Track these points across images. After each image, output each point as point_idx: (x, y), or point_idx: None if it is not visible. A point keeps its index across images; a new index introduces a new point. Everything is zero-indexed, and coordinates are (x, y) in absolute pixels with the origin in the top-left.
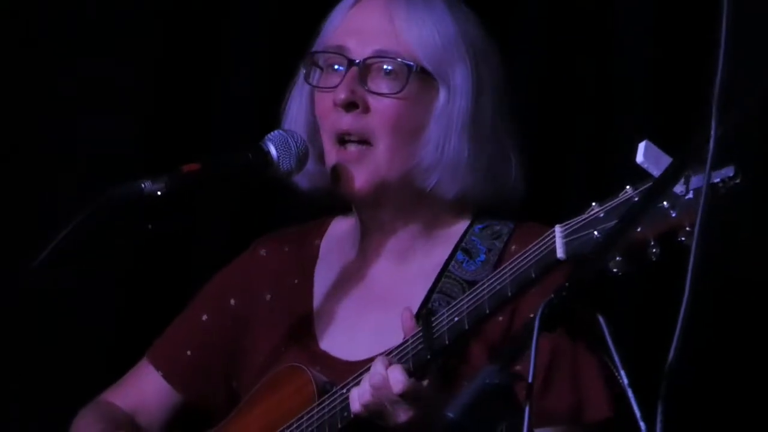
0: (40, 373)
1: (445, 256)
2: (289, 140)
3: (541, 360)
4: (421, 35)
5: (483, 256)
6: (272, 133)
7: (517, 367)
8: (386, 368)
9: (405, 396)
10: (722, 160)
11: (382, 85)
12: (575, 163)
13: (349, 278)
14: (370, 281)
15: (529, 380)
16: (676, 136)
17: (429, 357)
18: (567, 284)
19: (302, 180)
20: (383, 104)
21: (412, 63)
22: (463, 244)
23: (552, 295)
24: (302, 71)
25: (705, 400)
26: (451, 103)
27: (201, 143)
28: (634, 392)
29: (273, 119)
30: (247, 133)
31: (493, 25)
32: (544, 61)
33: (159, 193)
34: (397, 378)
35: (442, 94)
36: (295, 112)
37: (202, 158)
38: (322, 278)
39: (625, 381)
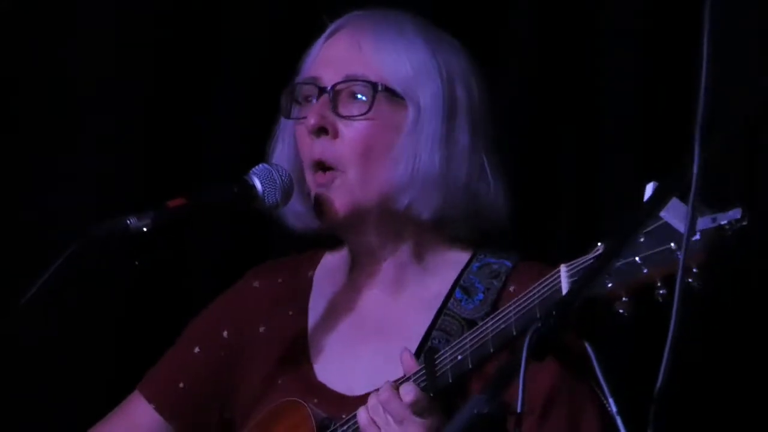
0: (36, 409)
1: (442, 290)
2: (274, 173)
3: (540, 393)
4: (389, 57)
5: (481, 295)
6: (257, 166)
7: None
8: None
9: (415, 406)
10: (729, 201)
11: (352, 109)
12: (563, 182)
13: (343, 309)
14: (364, 311)
15: (518, 410)
16: (666, 157)
17: (431, 395)
18: (554, 312)
19: (294, 221)
20: (352, 129)
21: (377, 82)
22: (462, 282)
23: (539, 323)
24: (282, 106)
25: (694, 426)
26: (421, 121)
27: (191, 171)
28: (623, 420)
29: (263, 146)
30: (236, 161)
31: (482, 46)
32: (531, 76)
33: (145, 229)
34: (407, 389)
35: (411, 113)
36: (279, 151)
37: (187, 192)
38: (317, 309)
39: (614, 408)
